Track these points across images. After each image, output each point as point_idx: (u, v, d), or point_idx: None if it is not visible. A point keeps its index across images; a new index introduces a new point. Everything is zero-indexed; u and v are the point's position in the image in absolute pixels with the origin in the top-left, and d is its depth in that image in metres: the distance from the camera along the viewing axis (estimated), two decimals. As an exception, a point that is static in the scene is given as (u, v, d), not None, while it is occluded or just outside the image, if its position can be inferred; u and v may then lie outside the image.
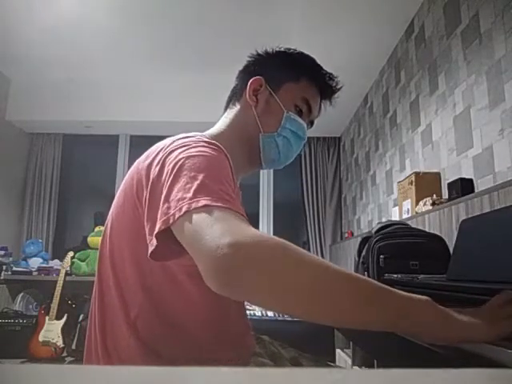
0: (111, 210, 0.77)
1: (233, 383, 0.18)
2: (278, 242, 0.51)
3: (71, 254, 3.35)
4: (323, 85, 0.89)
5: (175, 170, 0.60)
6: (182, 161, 0.61)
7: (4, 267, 3.44)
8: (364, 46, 2.94)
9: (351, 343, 2.27)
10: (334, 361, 2.41)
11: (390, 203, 2.92)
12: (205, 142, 0.68)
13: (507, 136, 1.57)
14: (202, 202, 0.54)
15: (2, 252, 3.53)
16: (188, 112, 3.92)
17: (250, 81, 0.86)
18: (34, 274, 3.47)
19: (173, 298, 0.70)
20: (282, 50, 0.91)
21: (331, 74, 0.90)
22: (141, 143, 4.39)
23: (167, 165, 0.63)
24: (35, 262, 3.60)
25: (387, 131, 3.03)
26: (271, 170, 4.52)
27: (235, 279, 0.48)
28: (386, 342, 0.80)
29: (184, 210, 0.54)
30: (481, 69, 1.77)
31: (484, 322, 0.51)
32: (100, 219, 4.17)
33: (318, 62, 0.90)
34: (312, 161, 4.48)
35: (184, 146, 0.66)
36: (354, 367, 2.14)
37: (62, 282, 3.13)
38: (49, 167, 4.32)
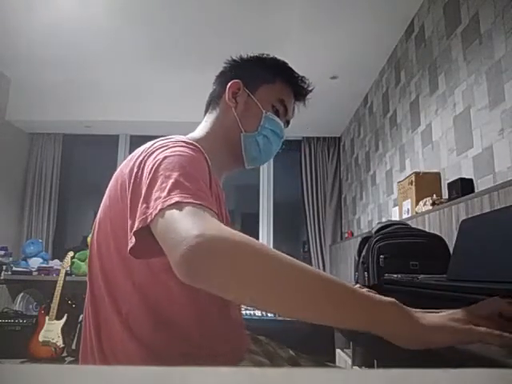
0: (98, 212, 0.79)
1: (232, 383, 0.18)
2: (243, 236, 0.54)
3: (71, 254, 3.35)
4: (296, 87, 0.94)
5: (153, 171, 0.63)
6: (159, 161, 0.65)
7: (4, 267, 3.44)
8: (364, 46, 2.94)
9: (351, 343, 2.27)
10: (333, 361, 2.41)
11: (390, 203, 2.92)
12: (183, 142, 0.71)
13: (507, 136, 1.57)
14: (175, 198, 0.57)
15: (2, 252, 3.53)
16: (188, 112, 3.91)
17: (229, 84, 0.90)
18: (34, 274, 3.47)
19: (159, 294, 0.71)
20: (257, 54, 0.95)
21: (303, 76, 0.95)
22: (141, 143, 4.35)
23: (147, 166, 0.66)
24: (35, 262, 3.60)
25: (387, 131, 3.04)
26: (271, 170, 4.52)
27: (198, 269, 0.51)
28: (386, 341, 0.79)
29: (159, 208, 0.57)
30: (481, 69, 1.77)
31: (453, 325, 0.50)
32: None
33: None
34: (312, 161, 4.48)
35: (163, 146, 0.69)
36: (354, 367, 2.14)
37: (62, 282, 3.13)
38: (49, 167, 4.32)
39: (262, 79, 0.90)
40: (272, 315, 2.37)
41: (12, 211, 4.09)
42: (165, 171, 0.62)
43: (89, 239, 3.33)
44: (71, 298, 3.36)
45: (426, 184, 2.06)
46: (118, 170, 0.77)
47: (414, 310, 0.52)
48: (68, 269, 3.30)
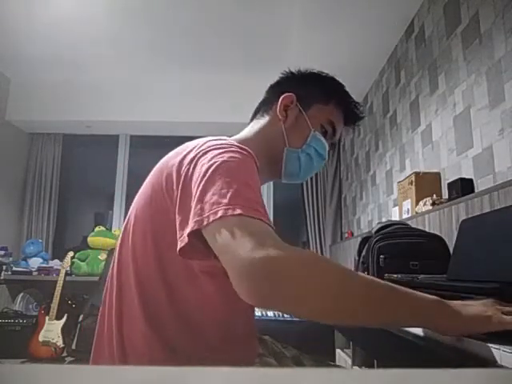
0: (135, 203, 0.78)
1: (233, 383, 0.18)
2: (305, 255, 0.56)
3: (71, 253, 3.35)
4: (349, 112, 0.93)
5: (210, 172, 0.62)
6: (216, 164, 0.63)
7: (4, 267, 3.44)
8: (364, 46, 2.93)
9: (351, 343, 2.28)
10: (333, 361, 2.41)
11: (389, 203, 2.92)
12: (237, 146, 0.69)
13: (507, 136, 1.57)
14: (238, 210, 0.56)
15: (2, 252, 3.53)
16: (188, 112, 3.92)
17: (283, 96, 0.89)
18: (34, 274, 3.47)
19: (190, 294, 0.71)
20: (315, 71, 0.94)
21: (358, 102, 0.95)
22: (141, 143, 4.39)
23: (200, 165, 0.64)
24: (35, 262, 3.60)
25: (387, 131, 3.03)
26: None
27: (265, 291, 0.52)
28: (386, 341, 0.79)
29: (220, 214, 0.56)
30: (481, 69, 1.77)
31: (486, 316, 0.56)
32: (100, 219, 4.17)
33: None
34: (312, 161, 4.47)
35: (218, 148, 0.67)
36: (354, 367, 2.14)
37: (61, 282, 3.13)
38: (49, 167, 4.31)
39: (316, 98, 0.90)
40: (272, 315, 2.37)
41: (12, 211, 4.09)
42: (224, 176, 0.61)
43: (89, 239, 3.29)
44: (71, 297, 3.36)
45: (426, 184, 2.06)
46: (163, 161, 0.75)
47: (453, 302, 0.59)
48: (68, 269, 3.29)
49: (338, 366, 1.24)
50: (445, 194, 1.93)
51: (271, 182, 4.49)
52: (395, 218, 2.46)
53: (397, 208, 2.44)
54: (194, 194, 0.61)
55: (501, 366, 0.47)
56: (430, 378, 0.19)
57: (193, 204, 0.60)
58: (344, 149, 4.40)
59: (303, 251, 0.56)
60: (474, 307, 0.58)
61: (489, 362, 0.50)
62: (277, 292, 0.52)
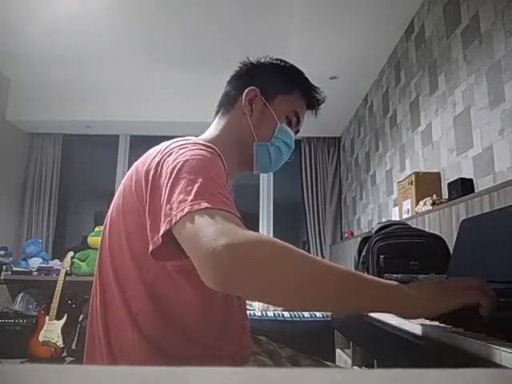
0: (110, 210, 0.79)
1: (233, 383, 0.18)
2: (268, 241, 0.57)
3: (71, 253, 3.35)
4: (311, 98, 0.94)
5: (174, 173, 0.63)
6: (180, 163, 0.64)
7: (4, 267, 3.44)
8: (364, 46, 2.93)
9: (351, 343, 2.27)
10: (334, 361, 2.41)
11: (389, 203, 2.92)
12: (201, 144, 0.71)
13: (507, 136, 1.57)
14: (204, 204, 0.57)
15: (2, 252, 3.53)
16: (188, 112, 3.92)
17: (246, 90, 0.89)
18: (34, 274, 3.47)
19: (170, 293, 0.71)
20: (275, 61, 0.94)
21: (318, 87, 0.95)
22: (141, 143, 4.39)
23: (166, 167, 0.66)
24: (35, 262, 3.60)
25: (387, 131, 3.03)
26: (271, 170, 4.51)
27: (228, 277, 0.53)
28: (386, 341, 0.79)
29: (186, 210, 0.57)
30: (481, 69, 1.77)
31: (443, 295, 0.58)
32: (100, 219, 4.17)
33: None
34: (312, 161, 4.48)
35: (181, 148, 0.68)
36: (354, 367, 2.14)
37: (62, 282, 3.12)
38: (49, 167, 4.31)
39: (279, 89, 0.90)
40: (272, 315, 2.37)
41: (12, 211, 4.09)
42: (188, 174, 0.62)
43: (89, 239, 3.29)
44: (71, 297, 3.36)
45: (426, 184, 2.06)
46: (133, 167, 0.76)
47: (411, 285, 0.60)
48: (68, 269, 3.29)
49: (337, 366, 1.24)
50: (445, 194, 1.93)
51: (271, 183, 4.50)
52: (395, 218, 2.46)
53: (397, 208, 2.44)
54: (162, 197, 0.62)
55: (501, 366, 0.47)
56: (430, 378, 0.19)
57: (162, 207, 0.61)
58: (344, 149, 4.40)
59: (265, 238, 0.57)
60: (430, 287, 0.60)
61: (489, 362, 0.50)
62: (239, 277, 0.53)
